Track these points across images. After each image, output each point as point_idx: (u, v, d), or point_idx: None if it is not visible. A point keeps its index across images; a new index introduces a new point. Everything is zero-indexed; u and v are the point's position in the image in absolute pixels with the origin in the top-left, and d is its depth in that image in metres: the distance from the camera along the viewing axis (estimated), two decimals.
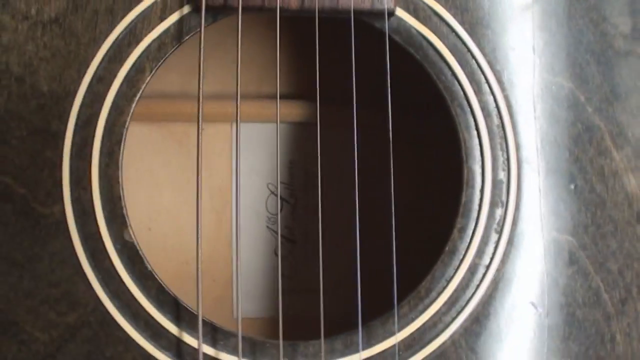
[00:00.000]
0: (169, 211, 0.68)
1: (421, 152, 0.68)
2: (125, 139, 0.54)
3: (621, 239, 0.56)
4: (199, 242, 0.53)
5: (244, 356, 0.54)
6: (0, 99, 0.54)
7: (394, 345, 0.54)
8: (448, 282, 0.55)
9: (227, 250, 0.68)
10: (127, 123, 0.54)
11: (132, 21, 0.54)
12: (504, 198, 0.55)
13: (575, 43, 0.57)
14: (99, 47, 0.54)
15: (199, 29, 0.54)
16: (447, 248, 0.55)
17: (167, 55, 0.55)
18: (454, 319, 0.55)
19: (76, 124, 0.54)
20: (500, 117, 0.56)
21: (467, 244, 0.55)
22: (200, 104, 0.54)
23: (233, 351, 0.54)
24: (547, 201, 0.56)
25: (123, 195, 0.54)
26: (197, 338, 0.53)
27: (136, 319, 0.53)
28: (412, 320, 0.55)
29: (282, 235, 0.69)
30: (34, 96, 0.54)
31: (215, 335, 0.54)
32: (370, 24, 0.55)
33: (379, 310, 0.55)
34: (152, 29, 0.55)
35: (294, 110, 0.67)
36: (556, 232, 0.56)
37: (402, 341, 0.54)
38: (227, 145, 0.68)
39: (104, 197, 0.54)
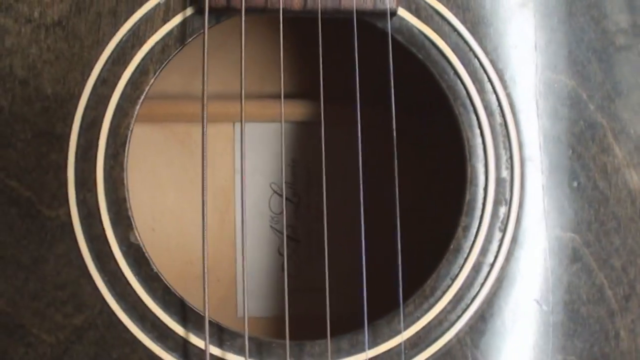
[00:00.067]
0: (173, 211, 0.68)
1: (424, 151, 0.68)
2: (130, 140, 0.54)
3: (624, 236, 0.56)
4: (205, 242, 0.53)
5: (250, 356, 0.54)
6: (4, 102, 0.54)
7: (400, 344, 0.54)
8: (453, 280, 0.55)
9: (230, 250, 0.69)
10: (131, 125, 0.54)
11: (136, 23, 0.55)
12: (507, 196, 0.56)
13: (577, 41, 0.57)
14: (103, 49, 0.54)
15: (202, 31, 0.54)
16: (451, 246, 0.55)
17: (170, 57, 0.55)
18: (459, 317, 0.55)
19: (81, 127, 0.54)
20: (503, 116, 0.56)
21: (471, 243, 0.55)
22: (205, 105, 0.54)
23: (239, 351, 0.54)
24: (551, 199, 0.56)
25: (128, 197, 0.54)
26: (204, 339, 0.53)
27: (142, 320, 0.54)
28: (418, 318, 0.55)
29: (286, 235, 0.69)
30: (38, 99, 0.54)
31: (222, 335, 0.54)
32: (372, 24, 0.56)
33: (384, 310, 0.55)
34: (156, 31, 0.55)
35: (295, 110, 0.67)
36: (560, 230, 0.56)
37: (408, 340, 0.55)
38: (229, 145, 0.68)
39: (109, 199, 0.54)
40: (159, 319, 0.54)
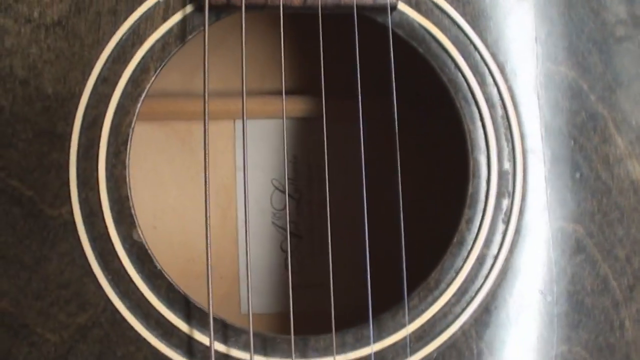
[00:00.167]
0: (174, 209, 0.68)
1: (426, 145, 0.68)
2: (131, 139, 0.54)
3: (628, 226, 0.57)
4: (208, 239, 0.53)
5: (255, 352, 0.54)
6: (5, 102, 0.54)
7: (405, 337, 0.54)
8: (457, 273, 0.55)
9: (233, 247, 0.69)
10: (132, 123, 0.54)
11: (136, 22, 0.54)
12: (510, 188, 0.56)
13: (577, 32, 0.57)
14: (103, 48, 0.54)
15: (202, 28, 0.54)
16: (455, 239, 0.55)
17: (171, 55, 0.55)
18: (463, 309, 0.55)
19: (82, 126, 0.54)
20: (505, 108, 0.56)
21: (474, 235, 0.55)
22: (206, 103, 0.54)
23: (244, 347, 0.54)
24: (553, 190, 0.56)
25: (131, 195, 0.54)
26: (208, 335, 0.53)
27: (147, 318, 0.53)
28: (422, 312, 0.55)
29: (288, 231, 0.69)
30: (39, 98, 0.54)
31: (226, 332, 0.54)
32: (372, 19, 0.56)
33: (388, 304, 0.55)
34: (156, 29, 0.55)
35: (296, 106, 0.67)
36: (563, 221, 0.56)
37: (413, 333, 0.55)
38: (230, 142, 0.68)
39: (111, 197, 0.54)
40: (163, 316, 0.54)
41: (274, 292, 0.69)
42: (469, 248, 0.55)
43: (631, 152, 0.57)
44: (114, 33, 0.54)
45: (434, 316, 0.55)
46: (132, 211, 0.54)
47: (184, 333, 0.54)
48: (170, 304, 0.54)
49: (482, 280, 0.55)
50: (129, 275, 0.53)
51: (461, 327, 0.55)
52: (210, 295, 0.53)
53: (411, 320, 0.55)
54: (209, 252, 0.53)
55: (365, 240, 0.54)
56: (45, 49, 0.54)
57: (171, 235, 0.68)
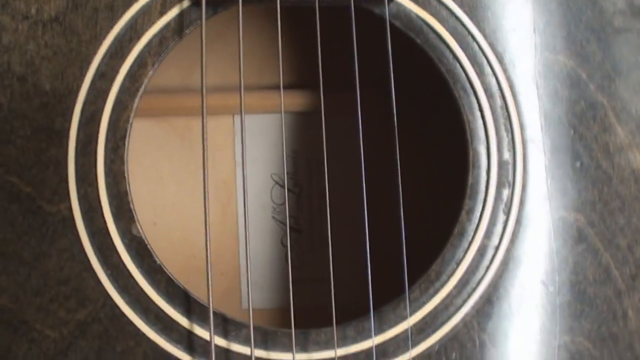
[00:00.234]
0: (174, 205, 0.68)
1: (426, 137, 0.68)
2: (129, 134, 0.54)
3: (629, 215, 0.56)
4: (207, 234, 0.53)
5: (255, 346, 0.53)
6: (3, 98, 0.53)
7: (406, 330, 0.54)
8: (458, 264, 0.55)
9: (233, 242, 0.68)
10: (131, 118, 0.54)
11: (133, 17, 0.54)
12: (510, 178, 0.56)
13: (575, 21, 0.57)
14: (100, 43, 0.54)
15: (199, 23, 0.54)
16: (455, 230, 0.55)
17: (168, 50, 0.55)
18: (465, 301, 0.55)
19: (80, 121, 0.54)
20: (504, 98, 0.56)
21: (475, 226, 0.55)
22: (204, 98, 0.54)
23: (245, 342, 0.53)
24: (554, 180, 0.56)
25: (130, 190, 0.54)
26: (208, 330, 0.53)
27: (146, 313, 0.53)
28: (424, 304, 0.55)
29: (288, 225, 0.69)
30: (36, 95, 0.54)
31: (227, 326, 0.54)
32: (370, 11, 0.56)
33: (389, 296, 0.55)
34: (153, 23, 0.55)
35: (295, 100, 0.67)
36: (564, 210, 0.56)
37: (414, 325, 0.54)
38: (229, 137, 0.68)
39: (110, 192, 0.54)
40: (162, 311, 0.53)
41: (275, 287, 0.69)
42: (469, 239, 0.55)
43: (631, 141, 0.57)
44: (111, 28, 0.54)
45: (435, 308, 0.55)
46: (131, 206, 0.54)
47: (183, 328, 0.53)
48: (169, 299, 0.54)
49: (483, 272, 0.55)
50: (128, 270, 0.53)
51: (463, 319, 0.54)
52: (210, 288, 0.52)
53: (412, 313, 0.54)
54: (208, 245, 0.53)
55: (365, 234, 0.54)
56: (43, 45, 0.54)
57: (171, 231, 0.68)
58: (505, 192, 0.56)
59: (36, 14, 0.54)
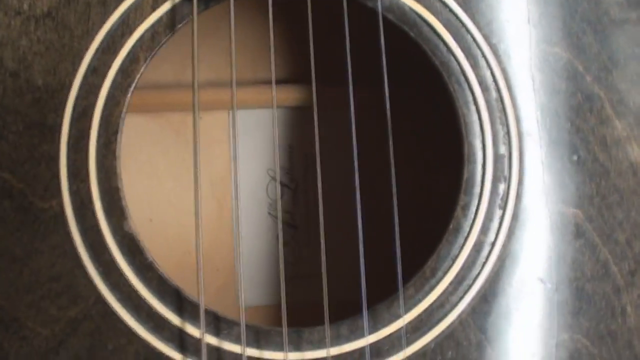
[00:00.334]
0: (170, 201, 0.68)
1: (421, 131, 0.67)
2: (122, 129, 0.54)
3: (627, 209, 0.55)
4: (199, 230, 0.52)
5: (248, 345, 0.53)
6: None
7: (401, 328, 0.53)
8: (454, 260, 0.54)
9: (229, 238, 0.68)
10: (123, 114, 0.54)
11: (125, 12, 0.54)
12: (506, 173, 0.55)
13: (571, 12, 0.56)
14: (93, 39, 0.54)
15: (191, 17, 0.54)
16: (451, 226, 0.54)
17: (160, 45, 0.54)
18: (461, 298, 0.54)
19: (72, 117, 0.53)
20: (499, 91, 0.55)
21: (471, 221, 0.54)
22: (196, 92, 0.53)
23: (237, 340, 0.53)
24: (551, 174, 0.55)
25: (121, 186, 0.53)
26: (200, 328, 0.52)
27: (138, 310, 0.53)
28: (419, 301, 0.54)
29: (283, 221, 0.68)
30: (29, 90, 0.53)
31: (219, 324, 0.53)
32: (362, 3, 0.55)
33: (384, 294, 0.54)
34: (145, 18, 0.54)
35: (290, 95, 0.67)
36: (561, 205, 0.55)
37: (409, 323, 0.54)
38: (225, 132, 0.68)
39: (102, 188, 0.53)
40: (154, 309, 0.53)
41: (271, 284, 0.68)
42: (465, 235, 0.54)
43: (629, 134, 0.56)
44: (103, 23, 0.54)
45: (430, 305, 0.54)
46: (123, 202, 0.53)
47: (175, 326, 0.53)
48: (161, 297, 0.53)
49: (479, 268, 0.54)
50: (119, 268, 0.53)
51: (459, 317, 0.54)
52: (201, 286, 0.52)
53: (407, 311, 0.54)
54: (199, 242, 0.52)
55: (359, 230, 0.53)
56: (35, 40, 0.54)
57: (167, 227, 0.67)
58: (502, 187, 0.55)
59: (29, 10, 0.54)
